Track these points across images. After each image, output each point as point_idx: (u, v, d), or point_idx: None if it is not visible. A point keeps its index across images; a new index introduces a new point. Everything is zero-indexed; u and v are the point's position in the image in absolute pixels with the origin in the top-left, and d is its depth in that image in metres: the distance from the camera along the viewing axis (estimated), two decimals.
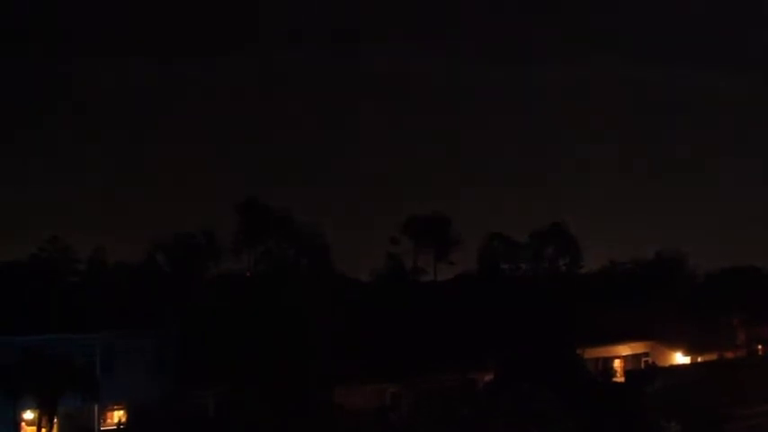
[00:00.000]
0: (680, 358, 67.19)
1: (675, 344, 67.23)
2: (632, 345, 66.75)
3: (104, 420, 44.28)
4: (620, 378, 61.77)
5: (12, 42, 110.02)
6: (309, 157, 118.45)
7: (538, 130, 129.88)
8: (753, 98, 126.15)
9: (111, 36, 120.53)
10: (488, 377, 53.61)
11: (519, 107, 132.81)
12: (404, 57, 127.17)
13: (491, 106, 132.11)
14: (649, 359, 66.80)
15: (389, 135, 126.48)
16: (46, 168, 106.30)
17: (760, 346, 72.87)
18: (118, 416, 44.63)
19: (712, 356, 67.46)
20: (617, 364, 65.28)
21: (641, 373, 61.53)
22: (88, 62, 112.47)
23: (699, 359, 67.38)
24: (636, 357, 66.89)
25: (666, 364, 64.91)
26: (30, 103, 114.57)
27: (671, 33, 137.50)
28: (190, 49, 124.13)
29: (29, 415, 41.27)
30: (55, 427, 40.69)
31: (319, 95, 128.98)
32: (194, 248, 50.11)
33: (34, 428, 40.73)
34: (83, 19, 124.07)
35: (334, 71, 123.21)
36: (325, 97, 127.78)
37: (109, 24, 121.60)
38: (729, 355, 68.35)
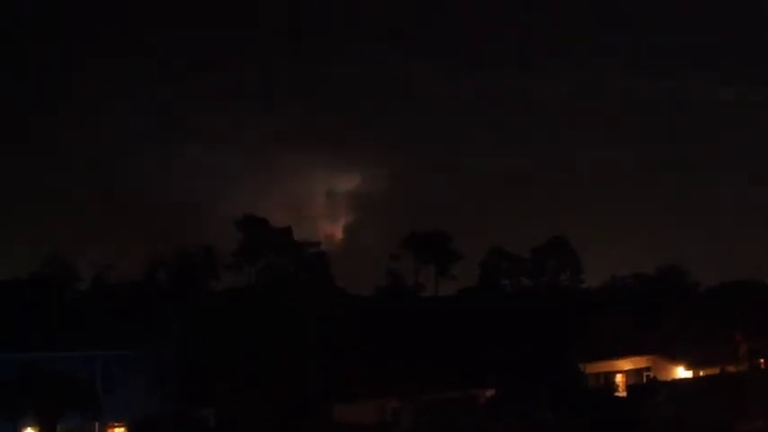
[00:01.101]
0: (682, 372, 67.07)
1: (677, 358, 67.12)
2: (634, 359, 66.61)
3: None
4: (621, 392, 61.62)
5: (12, 42, 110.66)
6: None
7: (537, 139, 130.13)
8: (758, 107, 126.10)
9: (111, 36, 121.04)
10: (490, 392, 53.53)
11: (523, 121, 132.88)
12: (404, 59, 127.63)
13: (491, 112, 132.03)
14: (651, 373, 66.68)
15: (387, 138, 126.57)
16: (46, 170, 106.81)
17: (762, 360, 72.66)
18: None
19: (714, 370, 67.25)
20: (619, 378, 65.12)
21: (643, 387, 61.42)
22: (88, 62, 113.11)
23: (700, 373, 67.26)
24: (637, 372, 66.76)
25: (668, 379, 64.81)
26: (29, 104, 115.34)
27: (671, 36, 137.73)
28: (190, 49, 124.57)
29: None
30: None
31: (318, 96, 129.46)
32: (194, 264, 50.21)
33: None
34: (82, 19, 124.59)
35: (335, 72, 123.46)
36: (325, 99, 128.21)
37: (109, 24, 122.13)
38: (731, 369, 68.14)
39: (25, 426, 40.75)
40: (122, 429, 44.51)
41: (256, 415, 43.31)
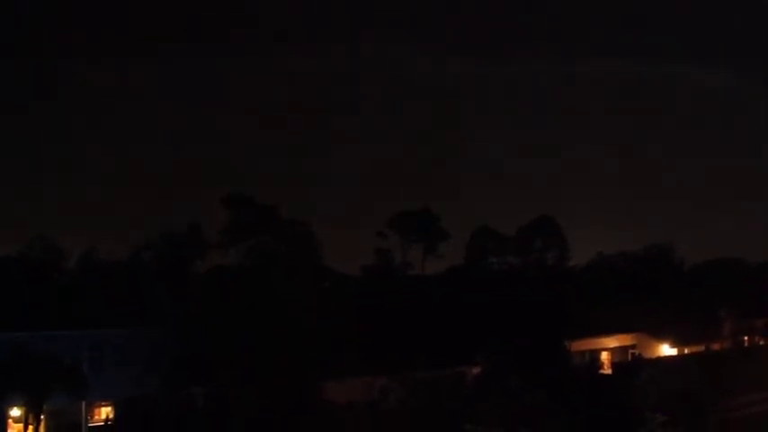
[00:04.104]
0: (667, 350, 67.56)
1: (662, 336, 67.60)
2: (619, 337, 67.06)
3: (92, 417, 44.23)
4: (607, 370, 62.04)
5: (11, 42, 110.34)
6: (298, 153, 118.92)
7: (528, 125, 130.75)
8: (739, 93, 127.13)
9: (109, 36, 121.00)
10: (476, 370, 53.80)
11: (511, 104, 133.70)
12: (400, 55, 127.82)
13: (485, 103, 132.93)
14: (636, 351, 67.17)
15: (382, 132, 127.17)
16: (37, 166, 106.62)
17: (746, 338, 73.39)
18: (105, 412, 44.58)
19: (699, 348, 67.85)
20: (604, 356, 65.55)
21: (628, 364, 61.87)
22: (84, 61, 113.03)
23: (685, 351, 67.79)
24: (623, 349, 67.25)
25: (653, 356, 65.27)
26: (26, 102, 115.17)
27: (663, 32, 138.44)
28: (184, 48, 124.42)
29: (15, 412, 41.18)
30: (42, 423, 40.62)
31: (312, 93, 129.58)
32: (180, 244, 49.91)
33: (21, 425, 40.63)
34: (81, 19, 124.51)
35: (328, 69, 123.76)
36: (318, 95, 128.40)
37: (107, 24, 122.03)
38: (716, 346, 68.79)
39: (12, 405, 40.79)
40: (109, 409, 44.58)
41: (245, 394, 43.38)
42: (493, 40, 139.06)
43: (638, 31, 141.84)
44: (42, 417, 40.48)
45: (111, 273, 52.35)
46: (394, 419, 46.36)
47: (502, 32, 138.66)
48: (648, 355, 65.44)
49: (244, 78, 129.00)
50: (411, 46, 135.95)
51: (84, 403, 42.84)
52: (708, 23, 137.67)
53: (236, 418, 42.83)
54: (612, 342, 66.65)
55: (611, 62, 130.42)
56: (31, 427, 40.11)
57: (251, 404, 42.92)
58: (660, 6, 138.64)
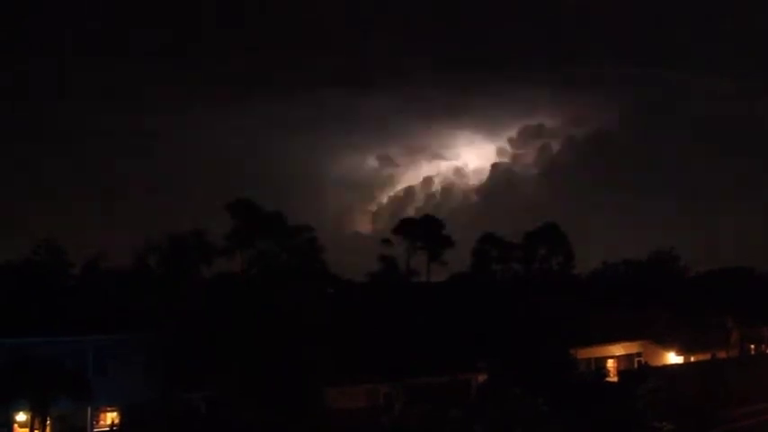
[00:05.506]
0: (673, 358, 67.31)
1: (668, 344, 67.36)
2: (625, 345, 66.84)
3: (97, 422, 44.21)
4: (612, 378, 61.81)
5: (11, 43, 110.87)
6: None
7: (530, 131, 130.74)
8: (744, 100, 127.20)
9: (109, 36, 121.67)
10: (482, 377, 53.66)
11: (510, 105, 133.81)
12: (399, 57, 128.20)
13: (484, 104, 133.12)
14: (642, 359, 66.95)
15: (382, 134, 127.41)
16: (41, 170, 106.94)
17: (752, 346, 73.13)
18: (111, 417, 44.58)
19: (705, 356, 67.58)
20: (610, 363, 65.36)
21: (634, 372, 61.61)
22: (84, 62, 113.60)
23: (691, 359, 67.52)
24: (629, 357, 66.98)
25: (659, 364, 65.01)
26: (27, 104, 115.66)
27: (667, 35, 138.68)
28: (188, 49, 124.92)
29: (21, 417, 41.18)
30: (47, 428, 40.60)
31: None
32: (185, 249, 49.86)
33: (27, 430, 40.62)
34: (81, 19, 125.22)
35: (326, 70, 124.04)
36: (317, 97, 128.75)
37: (107, 24, 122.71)
38: (722, 354, 68.50)
39: (18, 410, 40.79)
40: (115, 414, 44.56)
41: (249, 400, 43.34)
42: (493, 41, 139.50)
43: (638, 33, 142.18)
44: (48, 421, 40.46)
45: (115, 277, 52.30)
46: (398, 426, 46.26)
47: (501, 33, 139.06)
48: (654, 362, 65.17)
49: (244, 81, 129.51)
50: (420, 48, 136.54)
51: (89, 408, 42.82)
52: (708, 24, 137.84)
53: (239, 424, 42.77)
54: (618, 350, 66.45)
55: (612, 65, 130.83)
56: (36, 431, 40.10)
57: (254, 410, 42.87)
58: (660, 9, 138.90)
